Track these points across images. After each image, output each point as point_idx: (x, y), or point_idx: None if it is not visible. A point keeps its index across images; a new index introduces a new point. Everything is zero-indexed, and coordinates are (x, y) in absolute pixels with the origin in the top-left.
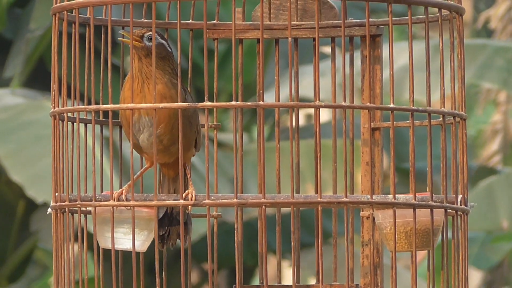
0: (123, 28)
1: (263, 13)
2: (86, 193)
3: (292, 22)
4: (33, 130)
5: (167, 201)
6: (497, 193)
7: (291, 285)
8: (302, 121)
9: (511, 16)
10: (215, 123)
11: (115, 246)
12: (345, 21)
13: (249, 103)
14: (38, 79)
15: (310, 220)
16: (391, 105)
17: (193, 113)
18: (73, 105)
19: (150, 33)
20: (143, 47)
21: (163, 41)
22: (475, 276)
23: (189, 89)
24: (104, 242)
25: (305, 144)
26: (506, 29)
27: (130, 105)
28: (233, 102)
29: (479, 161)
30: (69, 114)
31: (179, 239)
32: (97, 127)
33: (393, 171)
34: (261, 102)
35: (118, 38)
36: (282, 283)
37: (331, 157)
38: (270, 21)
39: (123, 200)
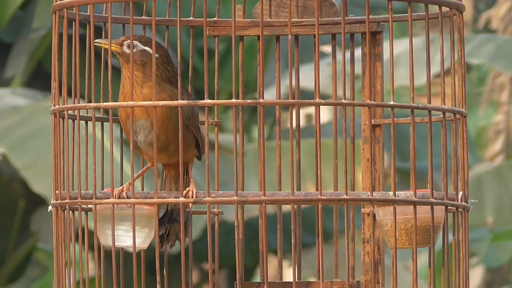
0: (123, 26)
1: (263, 10)
2: (87, 190)
3: (293, 19)
4: (49, 138)
5: (167, 199)
6: (486, 187)
7: (292, 282)
8: (302, 121)
9: None
10: (215, 120)
11: (116, 244)
12: (346, 18)
13: (250, 101)
14: (39, 79)
15: (311, 219)
16: (391, 102)
17: (191, 115)
18: (74, 103)
19: (130, 41)
20: (121, 53)
21: (146, 48)
22: (475, 276)
23: (189, 88)
24: (105, 239)
25: (305, 143)
26: (508, 29)
27: (130, 103)
28: (233, 100)
29: (482, 161)
30: (69, 112)
31: (178, 240)
32: (98, 124)
33: (393, 167)
34: (261, 100)
35: (94, 43)
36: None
37: (332, 156)
38: (270, 18)
39: (124, 198)
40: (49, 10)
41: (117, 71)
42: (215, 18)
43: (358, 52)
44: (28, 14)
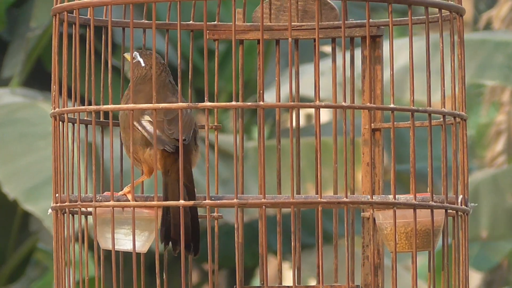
0: (123, 29)
1: (263, 14)
2: (86, 193)
3: (293, 23)
4: (18, 128)
5: (167, 201)
6: (482, 198)
7: (291, 286)
8: (302, 121)
9: None
10: (215, 124)
11: (116, 247)
12: (346, 22)
13: (249, 103)
14: (37, 78)
15: (310, 220)
16: (391, 105)
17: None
18: (74, 106)
19: (135, 52)
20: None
21: (140, 59)
22: (475, 277)
23: (189, 90)
24: (105, 243)
25: (305, 143)
26: (509, 29)
27: (130, 106)
28: (233, 103)
29: (483, 162)
30: (70, 115)
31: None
32: (97, 128)
33: (393, 171)
34: (261, 103)
35: (123, 54)
36: (283, 284)
37: (331, 155)
38: (270, 22)
39: (124, 200)
40: (46, 9)
41: (116, 73)
42: (215, 22)
43: (358, 55)
44: (24, 12)
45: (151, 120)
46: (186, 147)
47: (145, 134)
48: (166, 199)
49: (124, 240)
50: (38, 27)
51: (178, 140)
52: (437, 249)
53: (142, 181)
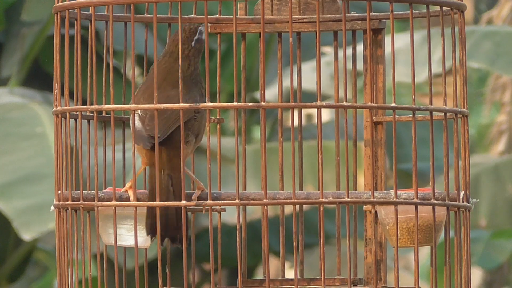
0: (125, 24)
1: (264, 7)
2: (89, 190)
3: (294, 16)
4: (5, 127)
5: (169, 201)
6: (482, 186)
7: (293, 279)
8: (302, 121)
9: None
10: (218, 117)
11: (118, 243)
12: (347, 14)
13: (251, 104)
14: (36, 78)
15: (311, 220)
16: (393, 104)
17: (193, 121)
18: (76, 105)
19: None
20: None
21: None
22: (476, 277)
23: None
24: (108, 238)
25: (305, 145)
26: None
27: (132, 106)
28: (235, 103)
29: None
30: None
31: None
32: (99, 124)
33: (395, 168)
34: (262, 103)
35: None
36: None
37: (332, 157)
38: (272, 15)
39: (126, 197)
40: (40, 5)
41: (117, 72)
42: (217, 16)
43: (360, 49)
44: (16, 9)
45: (140, 114)
46: (173, 139)
47: (131, 129)
48: (152, 189)
49: (127, 236)
50: (31, 23)
51: (153, 137)
52: (439, 245)
53: (144, 177)
